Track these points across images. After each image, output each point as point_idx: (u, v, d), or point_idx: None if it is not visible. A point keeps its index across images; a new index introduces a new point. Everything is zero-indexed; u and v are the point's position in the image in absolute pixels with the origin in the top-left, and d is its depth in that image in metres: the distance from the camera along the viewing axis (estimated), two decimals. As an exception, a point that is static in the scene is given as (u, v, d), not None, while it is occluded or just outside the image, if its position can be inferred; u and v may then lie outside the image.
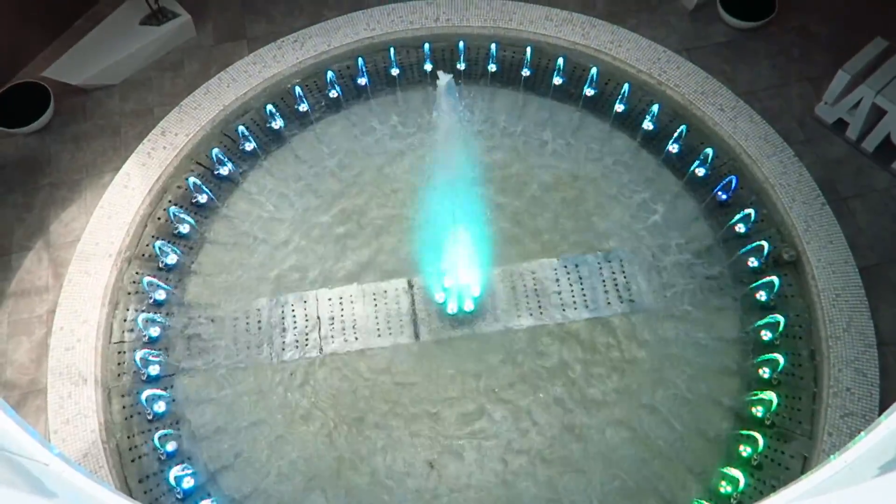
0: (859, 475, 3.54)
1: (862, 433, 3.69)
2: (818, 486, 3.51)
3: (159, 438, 7.07)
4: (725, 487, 6.73)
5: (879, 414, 6.80)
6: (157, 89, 9.69)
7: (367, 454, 7.26)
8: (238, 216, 8.63)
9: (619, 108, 8.82)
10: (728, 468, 6.78)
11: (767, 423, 7.07)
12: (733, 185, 8.07)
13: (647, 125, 8.69)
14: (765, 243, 7.68)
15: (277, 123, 8.95)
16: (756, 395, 7.12)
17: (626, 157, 8.74)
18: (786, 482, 6.78)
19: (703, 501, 6.73)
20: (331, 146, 9.03)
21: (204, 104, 9.10)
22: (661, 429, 7.26)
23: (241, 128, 8.76)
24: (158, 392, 7.42)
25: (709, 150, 8.22)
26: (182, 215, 8.27)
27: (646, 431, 7.25)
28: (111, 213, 8.40)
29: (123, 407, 7.48)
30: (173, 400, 7.56)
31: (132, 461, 7.22)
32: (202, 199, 8.55)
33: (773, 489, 6.74)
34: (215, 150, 8.55)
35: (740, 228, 8.01)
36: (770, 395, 6.93)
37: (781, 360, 7.08)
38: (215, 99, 9.13)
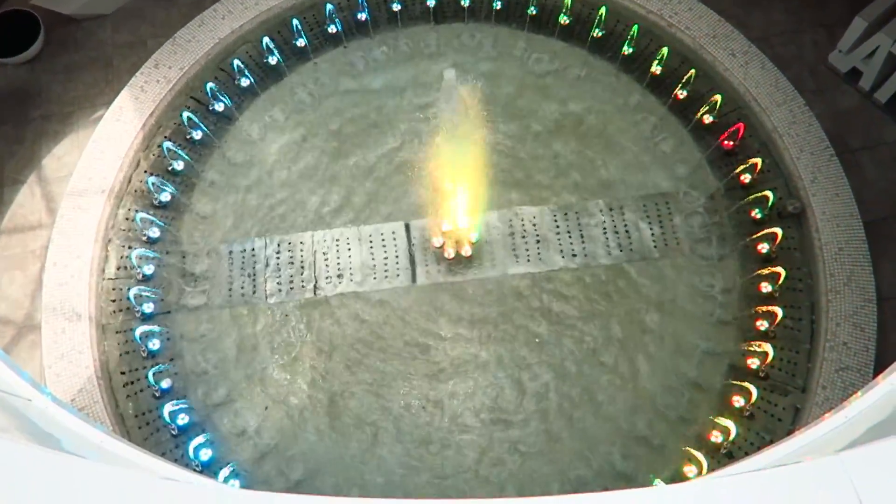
0: (855, 432, 3.52)
1: (860, 392, 3.66)
2: (813, 443, 3.48)
3: (154, 375, 7.08)
4: (716, 437, 6.78)
5: (875, 368, 6.83)
6: (150, 20, 9.36)
7: (360, 394, 7.29)
8: (234, 153, 8.45)
9: (627, 50, 8.55)
10: (720, 418, 6.81)
11: (762, 374, 7.07)
12: (740, 133, 7.88)
13: (655, 69, 8.43)
14: (769, 194, 7.54)
15: (274, 58, 8.67)
16: (752, 346, 7.10)
17: (632, 101, 8.51)
18: (777, 433, 6.86)
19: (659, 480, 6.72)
20: (329, 83, 8.78)
21: (199, 36, 8.80)
22: (654, 377, 7.27)
23: (236, 62, 8.49)
24: (153, 329, 7.40)
25: (717, 97, 8.00)
26: (176, 151, 8.09)
27: (638, 379, 7.27)
28: (104, 148, 8.22)
29: (118, 343, 7.47)
30: (168, 338, 7.54)
31: (127, 397, 7.25)
32: (197, 135, 8.36)
33: (764, 440, 6.82)
34: (210, 85, 8.31)
35: (745, 178, 7.86)
36: (766, 348, 6.90)
37: (779, 312, 7.03)
38: (210, 31, 8.83)
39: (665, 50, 8.29)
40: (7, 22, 8.98)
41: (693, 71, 8.15)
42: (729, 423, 6.59)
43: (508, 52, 8.82)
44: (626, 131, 8.37)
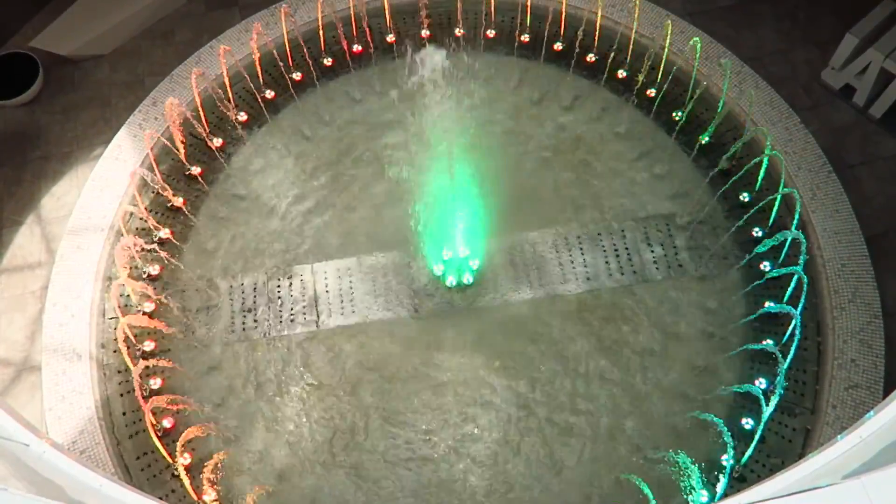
0: (870, 453, 3.46)
1: (871, 412, 3.60)
2: (827, 466, 3.42)
3: (155, 414, 6.99)
4: (726, 461, 6.67)
5: (885, 386, 6.74)
6: (147, 59, 9.47)
7: (365, 428, 7.19)
8: (232, 188, 8.46)
9: (621, 74, 8.60)
10: (729, 438, 6.71)
11: (770, 394, 6.97)
12: (740, 147, 7.85)
13: (650, 92, 8.48)
14: (771, 211, 7.50)
15: (271, 93, 8.73)
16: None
17: (627, 124, 8.54)
18: (788, 454, 6.76)
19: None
20: (326, 115, 8.83)
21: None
22: (661, 402, 7.17)
23: (233, 97, 8.54)
24: (154, 367, 7.33)
25: (713, 117, 8.03)
26: (176, 187, 8.10)
27: (647, 407, 7.17)
28: (103, 187, 8.23)
29: (119, 383, 7.40)
30: (169, 376, 7.47)
31: (129, 437, 7.16)
32: (195, 170, 8.37)
33: (775, 463, 6.71)
34: (207, 121, 8.34)
35: (744, 197, 7.85)
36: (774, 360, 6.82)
37: (788, 328, 6.95)
38: (207, 68, 8.89)
39: (659, 71, 8.33)
40: (6, 64, 9.07)
41: (689, 93, 8.18)
42: (744, 443, 6.50)
43: (502, 79, 8.87)
44: (622, 155, 8.38)
